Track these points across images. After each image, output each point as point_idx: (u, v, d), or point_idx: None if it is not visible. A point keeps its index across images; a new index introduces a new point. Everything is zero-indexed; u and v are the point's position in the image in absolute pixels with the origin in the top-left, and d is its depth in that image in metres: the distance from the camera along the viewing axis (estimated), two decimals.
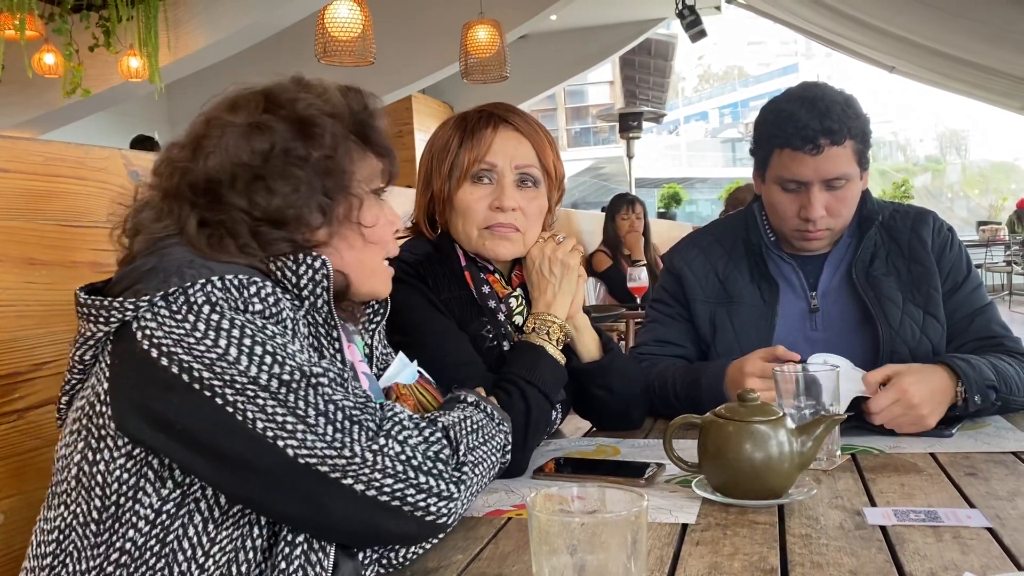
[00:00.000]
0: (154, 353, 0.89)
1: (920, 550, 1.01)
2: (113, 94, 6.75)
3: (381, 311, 1.27)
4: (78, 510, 0.95)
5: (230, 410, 0.88)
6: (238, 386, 0.88)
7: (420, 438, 0.96)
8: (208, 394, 0.88)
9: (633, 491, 0.81)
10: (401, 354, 1.28)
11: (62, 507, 0.97)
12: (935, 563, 0.97)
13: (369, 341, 1.26)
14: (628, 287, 4.93)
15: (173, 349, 0.89)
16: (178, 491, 0.93)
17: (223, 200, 1.03)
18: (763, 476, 1.18)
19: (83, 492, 0.95)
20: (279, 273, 1.02)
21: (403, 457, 0.92)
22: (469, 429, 1.05)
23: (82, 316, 0.96)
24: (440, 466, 0.95)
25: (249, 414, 0.88)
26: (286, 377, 0.90)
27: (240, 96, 1.09)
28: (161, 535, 0.92)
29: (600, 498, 0.83)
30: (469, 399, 1.16)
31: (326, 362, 0.98)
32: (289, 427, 0.88)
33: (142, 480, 0.93)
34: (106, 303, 0.92)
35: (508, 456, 1.16)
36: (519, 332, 1.53)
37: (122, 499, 0.93)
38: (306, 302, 1.03)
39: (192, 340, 0.89)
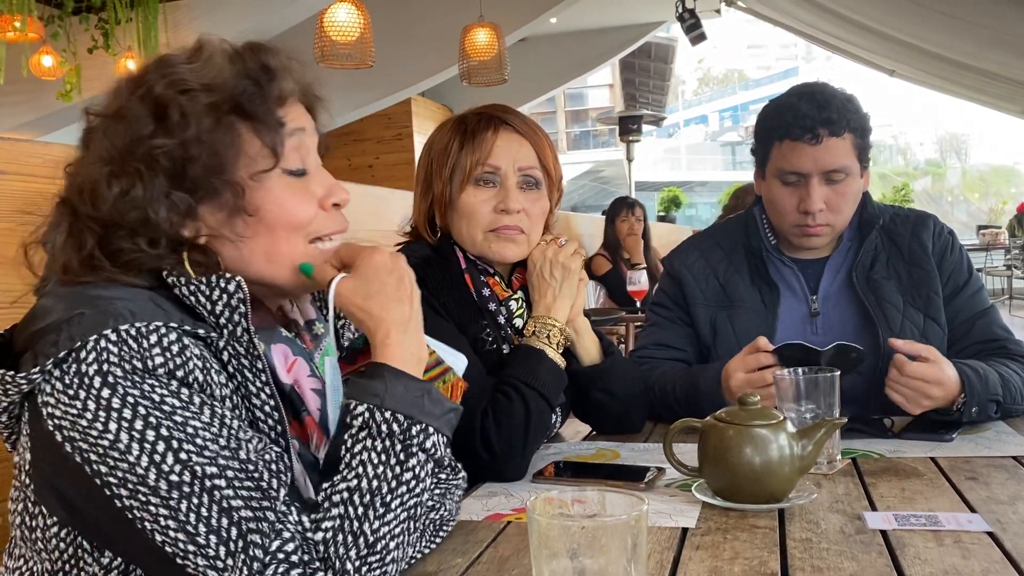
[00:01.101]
0: (58, 437, 0.83)
1: (921, 554, 1.00)
2: None
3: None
4: (35, 568, 0.92)
5: (129, 516, 0.82)
6: (130, 487, 0.81)
7: None
8: (108, 493, 0.82)
9: (633, 495, 0.81)
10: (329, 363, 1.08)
11: (21, 560, 0.94)
12: (936, 568, 0.96)
13: (342, 333, 1.18)
14: (628, 291, 4.93)
15: (71, 433, 0.82)
16: (119, 560, 0.90)
17: (76, 208, 0.94)
18: (763, 480, 1.17)
19: (33, 553, 0.92)
20: (192, 299, 0.92)
21: None
22: (359, 519, 0.87)
23: None
24: None
25: (147, 523, 0.81)
26: (175, 478, 0.81)
27: (122, 78, 0.97)
28: None
29: (600, 502, 0.82)
30: (356, 422, 0.92)
31: (237, 424, 0.88)
32: (182, 546, 0.81)
33: (79, 551, 0.89)
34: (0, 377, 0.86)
35: (431, 466, 0.96)
36: (519, 335, 1.53)
37: (67, 566, 0.90)
38: (224, 331, 0.93)
39: (84, 423, 0.82)
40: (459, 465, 1.23)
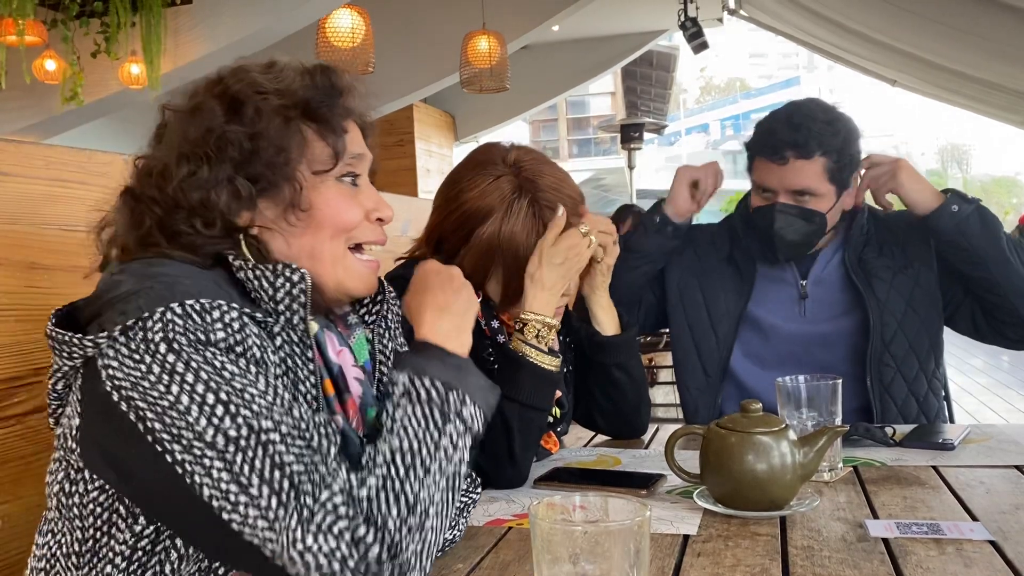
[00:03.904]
0: (115, 397, 0.86)
1: (923, 563, 1.00)
2: (113, 101, 6.75)
3: (379, 299, 1.19)
4: (63, 540, 0.94)
5: (179, 471, 0.84)
6: (184, 442, 0.84)
7: (349, 537, 0.83)
8: (160, 448, 0.84)
9: (635, 501, 0.81)
10: None
11: (50, 535, 0.96)
12: None
13: (370, 335, 1.18)
14: None
15: (131, 393, 0.86)
16: (151, 528, 0.91)
17: (139, 193, 1.00)
18: (765, 487, 1.17)
19: (66, 523, 0.94)
20: (256, 283, 0.97)
21: (338, 555, 0.82)
22: (400, 480, 0.88)
23: (51, 348, 0.92)
24: (375, 568, 0.83)
25: (197, 477, 0.83)
26: (233, 433, 0.84)
27: (199, 80, 1.05)
28: (139, 571, 0.91)
29: (602, 507, 0.83)
30: (398, 390, 0.94)
31: (288, 396, 0.90)
32: (232, 498, 0.82)
33: (114, 516, 0.91)
34: (68, 339, 0.89)
35: (468, 439, 0.96)
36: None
37: (98, 533, 0.92)
38: (282, 317, 0.98)
39: (147, 384, 0.85)
40: (479, 479, 1.25)
